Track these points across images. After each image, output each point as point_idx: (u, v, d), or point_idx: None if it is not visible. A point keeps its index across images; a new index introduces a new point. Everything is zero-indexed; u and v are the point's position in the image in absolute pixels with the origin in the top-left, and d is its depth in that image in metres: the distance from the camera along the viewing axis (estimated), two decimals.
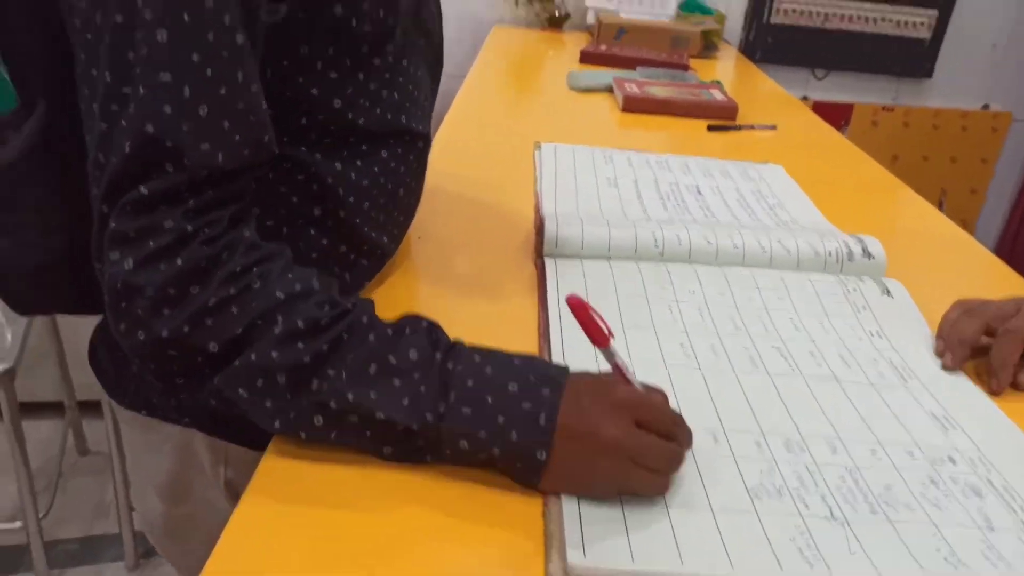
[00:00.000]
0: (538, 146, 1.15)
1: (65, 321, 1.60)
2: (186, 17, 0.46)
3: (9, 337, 1.35)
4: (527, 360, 0.52)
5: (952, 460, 0.57)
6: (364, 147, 0.64)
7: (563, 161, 1.09)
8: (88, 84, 0.49)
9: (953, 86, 2.52)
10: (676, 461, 0.51)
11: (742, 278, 0.79)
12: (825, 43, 2.39)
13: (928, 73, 2.46)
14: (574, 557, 0.44)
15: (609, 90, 1.55)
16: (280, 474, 0.50)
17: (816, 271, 0.82)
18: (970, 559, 0.48)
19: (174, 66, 0.46)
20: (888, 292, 0.80)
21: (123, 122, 0.47)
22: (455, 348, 0.52)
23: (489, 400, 0.48)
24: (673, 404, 0.59)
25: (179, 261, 0.47)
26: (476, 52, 1.93)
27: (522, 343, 0.66)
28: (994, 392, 0.66)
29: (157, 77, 0.46)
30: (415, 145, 0.69)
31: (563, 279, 0.76)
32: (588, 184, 1.02)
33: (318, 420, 0.49)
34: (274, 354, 0.48)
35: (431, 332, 0.52)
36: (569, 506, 0.48)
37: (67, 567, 1.55)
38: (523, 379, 0.49)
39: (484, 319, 0.70)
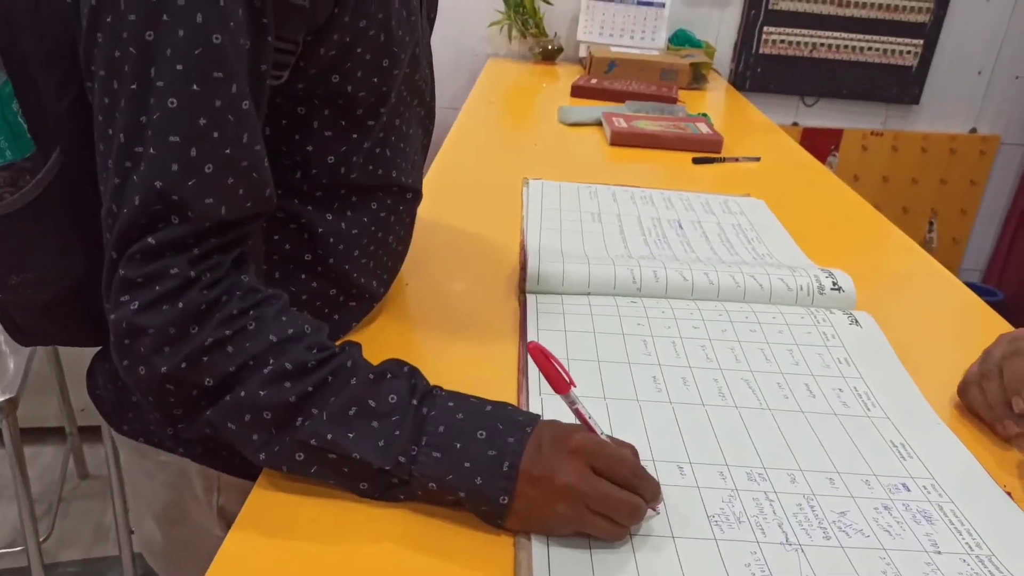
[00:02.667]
0: (526, 182, 1.19)
1: (66, 349, 1.65)
2: (196, 87, 0.50)
3: (12, 366, 1.39)
4: (499, 407, 0.55)
5: (906, 487, 0.61)
6: (354, 199, 0.68)
7: (549, 197, 1.14)
8: (104, 142, 0.53)
9: (941, 111, 2.57)
10: (633, 513, 0.52)
11: (716, 312, 0.83)
12: (814, 72, 2.45)
13: (915, 99, 2.51)
14: None
15: (598, 124, 1.60)
16: (268, 507, 0.54)
17: (787, 304, 0.86)
18: None
19: (182, 130, 0.51)
20: (856, 322, 0.83)
21: (135, 177, 0.51)
22: (431, 394, 0.55)
23: (458, 446, 0.52)
24: (643, 439, 0.63)
25: (181, 304, 0.51)
26: (471, 85, 1.98)
27: (503, 378, 0.70)
28: (1018, 415, 0.65)
29: (167, 139, 0.51)
30: (404, 197, 0.73)
31: (543, 315, 0.80)
32: (572, 220, 1.06)
33: (300, 456, 0.53)
34: (262, 393, 0.52)
35: (411, 377, 0.56)
36: (538, 537, 0.52)
37: None
38: (491, 427, 0.53)
39: (468, 355, 0.74)
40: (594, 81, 1.91)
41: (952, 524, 0.57)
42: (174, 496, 0.75)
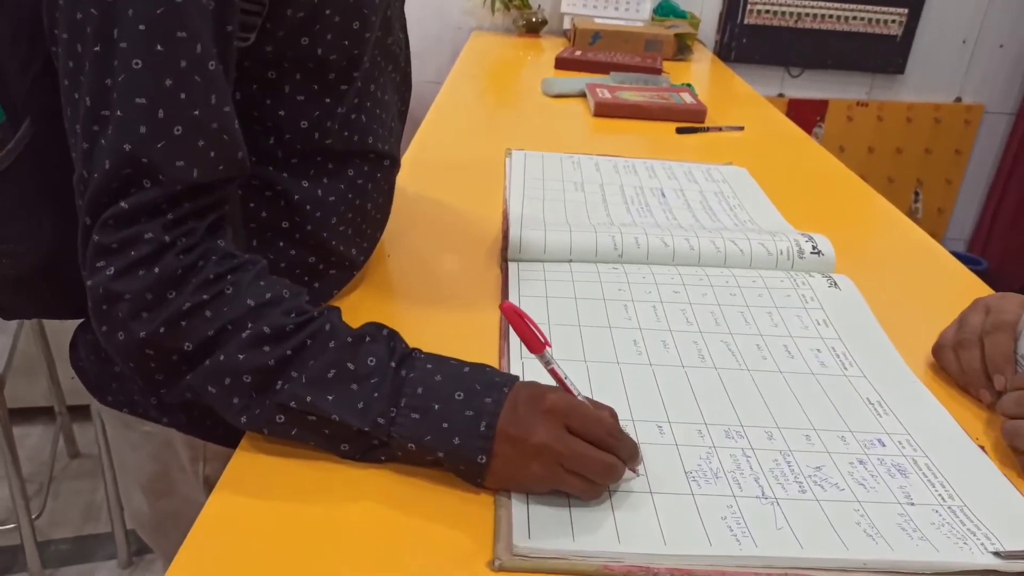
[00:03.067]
0: (509, 153, 1.19)
1: (53, 329, 1.65)
2: (159, 47, 0.50)
3: None
4: (477, 369, 0.56)
5: (881, 443, 0.62)
6: (331, 166, 0.68)
7: (532, 168, 1.14)
8: (71, 106, 0.53)
9: (925, 81, 2.57)
10: (607, 472, 0.52)
11: (696, 277, 0.84)
12: (799, 42, 2.44)
13: (900, 69, 2.51)
14: (519, 539, 0.49)
15: (583, 96, 1.60)
16: (249, 470, 0.54)
17: (768, 269, 0.87)
18: (887, 531, 0.52)
19: (149, 91, 0.51)
20: (835, 285, 0.84)
21: (103, 141, 0.51)
22: (410, 356, 0.56)
23: (436, 407, 0.52)
24: (623, 400, 0.64)
25: (156, 269, 0.51)
26: (454, 59, 1.97)
27: (485, 345, 0.71)
28: (999, 392, 0.65)
29: (133, 100, 0.50)
30: (381, 164, 0.73)
31: (525, 282, 0.80)
32: (555, 189, 1.06)
33: (280, 418, 0.54)
34: (241, 356, 0.52)
35: (390, 340, 0.57)
36: (518, 496, 0.52)
37: (60, 566, 1.60)
38: (469, 388, 0.53)
39: (450, 323, 0.74)
40: (578, 53, 1.91)
41: (926, 477, 0.58)
42: (160, 467, 0.76)
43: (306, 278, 0.71)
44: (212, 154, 0.54)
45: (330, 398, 0.53)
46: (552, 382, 0.56)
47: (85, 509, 1.74)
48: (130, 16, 0.49)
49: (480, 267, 0.85)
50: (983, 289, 0.91)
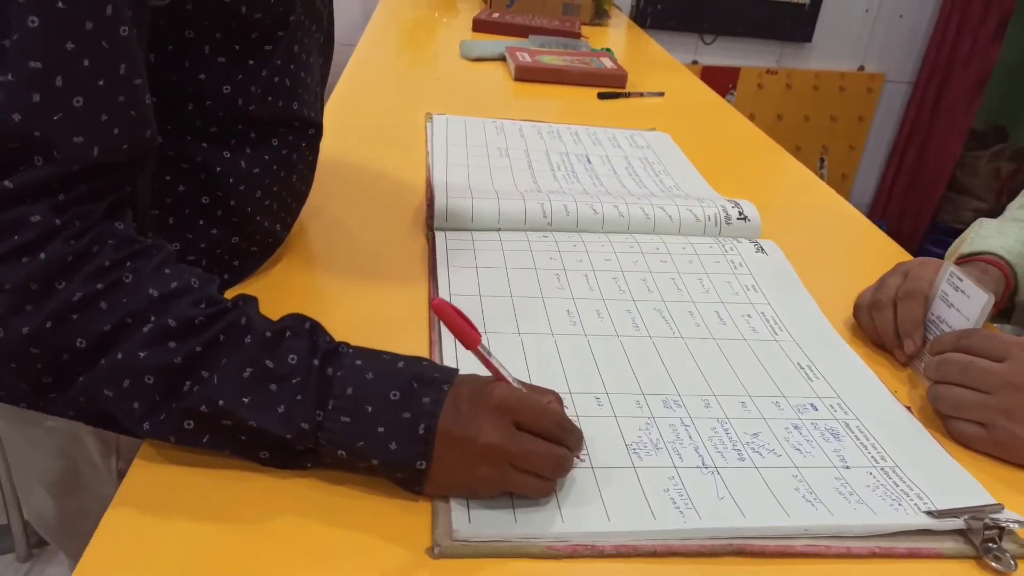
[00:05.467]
0: (429, 118, 1.14)
1: None
2: (61, 4, 0.44)
3: None
4: (412, 363, 0.51)
5: (814, 407, 0.62)
6: (253, 135, 0.63)
7: (454, 132, 1.10)
8: None
9: (831, 49, 2.65)
10: (560, 466, 0.49)
11: (627, 244, 0.83)
12: (712, 9, 2.47)
13: (808, 37, 2.57)
14: (459, 524, 0.46)
15: (502, 59, 1.56)
16: (152, 480, 0.49)
17: (696, 235, 0.87)
18: (825, 495, 0.52)
19: (46, 54, 0.44)
20: (762, 250, 0.84)
21: None
22: (337, 352, 0.50)
23: (369, 409, 0.47)
24: (559, 372, 0.62)
25: (43, 255, 0.45)
26: (366, 20, 1.89)
27: (413, 319, 0.67)
28: (909, 356, 0.68)
29: (27, 64, 0.44)
30: (306, 133, 0.68)
31: (452, 252, 0.77)
32: (479, 155, 1.03)
33: (188, 424, 0.48)
34: (142, 354, 0.46)
35: (312, 334, 0.51)
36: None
37: None
38: (405, 386, 0.48)
39: (376, 297, 0.71)
40: (496, 15, 1.86)
41: (858, 439, 0.59)
42: (66, 464, 0.69)
43: (226, 257, 0.65)
44: (116, 131, 0.48)
45: (245, 401, 0.47)
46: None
47: None
48: None
49: (403, 237, 0.81)
50: (895, 250, 0.94)
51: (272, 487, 0.49)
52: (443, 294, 0.70)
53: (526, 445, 0.48)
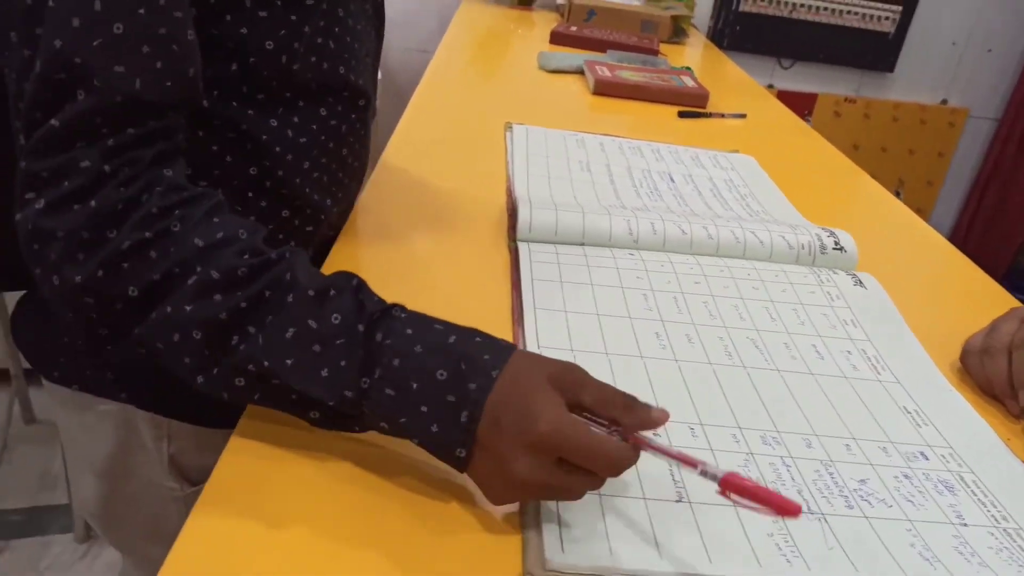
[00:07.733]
0: (509, 127, 1.12)
1: None
2: None
3: None
4: (464, 338, 0.46)
5: (924, 456, 0.57)
6: (301, 103, 0.61)
7: (535, 143, 1.07)
8: (6, 13, 0.45)
9: (913, 81, 2.56)
10: (588, 486, 0.45)
11: (717, 268, 0.79)
12: (791, 33, 2.41)
13: (890, 67, 2.49)
14: (552, 553, 0.43)
15: (580, 72, 1.53)
16: (238, 472, 0.47)
17: (788, 263, 0.82)
18: (944, 555, 0.48)
19: None
20: (861, 283, 0.80)
21: (40, 44, 0.44)
22: (385, 317, 0.47)
23: (414, 386, 0.44)
24: (651, 398, 0.58)
25: (93, 203, 0.44)
26: (444, 28, 1.89)
27: (495, 327, 0.65)
28: (1022, 409, 0.63)
29: None
30: (356, 103, 0.66)
31: (537, 264, 0.74)
32: (560, 168, 1.00)
33: (239, 381, 0.46)
34: (188, 308, 0.44)
35: (358, 293, 0.47)
36: (547, 504, 0.47)
37: (11, 539, 1.50)
38: (454, 366, 0.44)
39: (456, 303, 0.68)
40: (574, 29, 1.84)
41: (975, 495, 0.54)
42: (118, 448, 0.68)
43: (280, 235, 0.64)
44: (159, 64, 0.46)
45: (289, 363, 0.44)
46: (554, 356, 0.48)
47: (40, 478, 1.64)
48: None
49: (483, 245, 0.79)
50: (999, 292, 0.88)
51: (360, 500, 0.47)
52: (527, 307, 0.67)
53: (562, 482, 0.43)
